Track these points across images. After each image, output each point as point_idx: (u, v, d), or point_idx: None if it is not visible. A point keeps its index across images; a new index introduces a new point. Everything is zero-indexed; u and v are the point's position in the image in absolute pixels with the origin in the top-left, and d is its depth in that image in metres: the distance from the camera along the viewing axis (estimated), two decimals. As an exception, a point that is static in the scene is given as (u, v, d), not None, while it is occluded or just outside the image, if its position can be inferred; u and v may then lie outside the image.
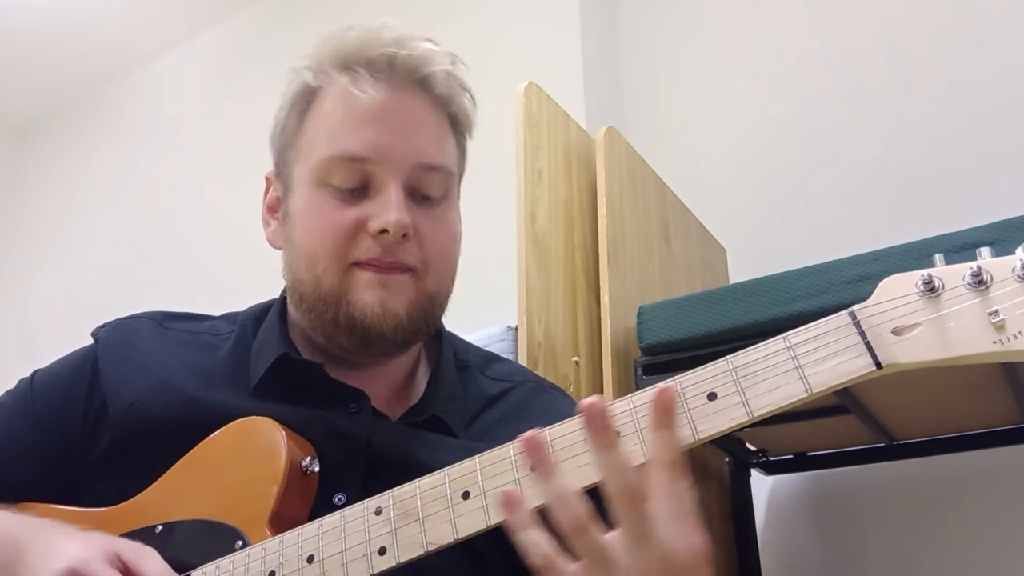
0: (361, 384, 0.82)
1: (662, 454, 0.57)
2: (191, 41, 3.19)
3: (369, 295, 0.77)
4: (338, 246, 0.78)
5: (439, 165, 0.81)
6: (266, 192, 0.89)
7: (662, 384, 0.58)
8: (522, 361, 1.24)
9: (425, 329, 0.83)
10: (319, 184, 0.80)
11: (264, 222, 0.89)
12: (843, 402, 1.30)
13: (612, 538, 0.56)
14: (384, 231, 0.77)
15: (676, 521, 0.56)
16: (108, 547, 0.69)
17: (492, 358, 0.96)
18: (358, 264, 0.78)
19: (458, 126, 0.86)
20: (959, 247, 1.10)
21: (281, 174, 0.86)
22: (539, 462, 0.58)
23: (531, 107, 1.40)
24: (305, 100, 0.83)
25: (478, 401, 0.88)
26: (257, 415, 0.77)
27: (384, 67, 0.80)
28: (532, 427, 0.63)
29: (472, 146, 2.38)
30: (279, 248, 0.86)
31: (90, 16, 3.08)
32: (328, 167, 0.79)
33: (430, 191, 0.81)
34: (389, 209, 0.77)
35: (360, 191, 0.79)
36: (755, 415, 0.57)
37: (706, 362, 0.59)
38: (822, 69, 2.02)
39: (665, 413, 0.57)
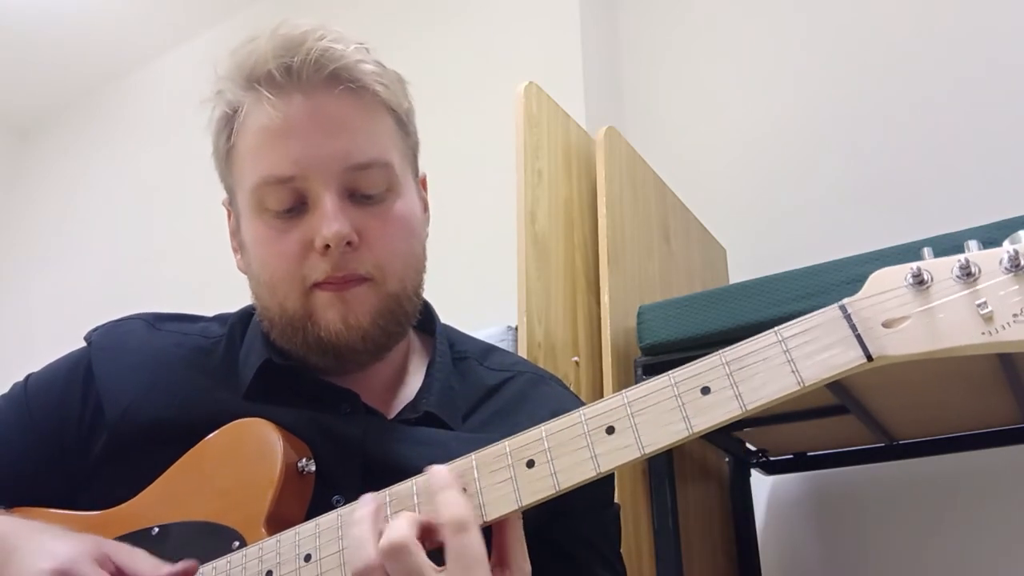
0: (352, 384, 0.81)
1: (445, 513, 0.60)
2: (191, 41, 3.19)
3: (330, 313, 0.76)
4: (292, 272, 0.77)
5: (369, 161, 0.78)
6: (229, 219, 0.88)
7: (434, 468, 0.64)
8: (522, 361, 1.24)
9: (397, 331, 0.82)
10: (258, 212, 0.78)
11: (233, 250, 0.87)
12: (843, 402, 1.30)
13: None
14: (327, 246, 0.75)
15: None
16: (97, 547, 0.69)
17: (491, 349, 0.95)
18: (317, 285, 0.77)
19: (390, 106, 0.81)
20: (958, 247, 1.10)
21: (232, 202, 0.85)
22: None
23: (531, 107, 1.40)
24: (228, 126, 0.81)
25: (477, 392, 0.87)
26: (252, 417, 0.77)
27: (284, 78, 0.76)
28: (529, 422, 0.63)
29: (472, 146, 2.38)
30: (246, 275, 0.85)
31: (90, 16, 3.08)
32: (260, 193, 0.77)
33: (368, 189, 0.78)
34: (325, 223, 0.74)
35: (298, 209, 0.77)
36: (748, 408, 0.57)
37: (705, 363, 0.60)
38: (822, 69, 2.02)
39: (446, 476, 0.62)
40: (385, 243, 0.78)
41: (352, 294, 0.77)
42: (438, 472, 0.63)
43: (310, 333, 0.77)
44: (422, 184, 0.89)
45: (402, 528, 0.60)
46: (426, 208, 0.89)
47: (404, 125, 0.84)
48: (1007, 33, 1.80)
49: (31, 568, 0.66)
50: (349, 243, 0.75)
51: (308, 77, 0.76)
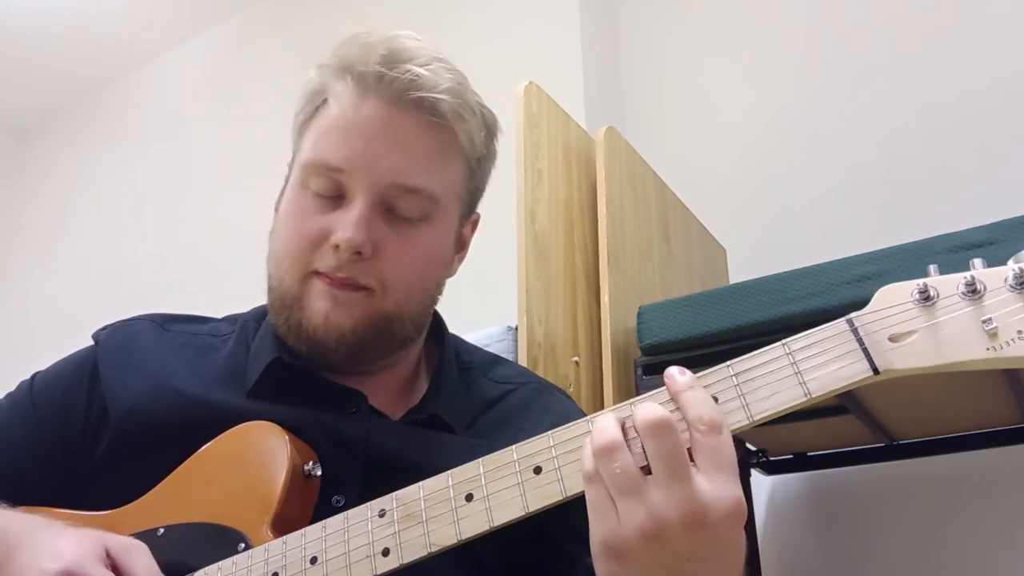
0: (360, 386, 0.82)
1: (696, 410, 0.56)
2: (191, 41, 3.19)
3: (318, 304, 0.78)
4: (301, 252, 0.79)
5: (417, 187, 0.79)
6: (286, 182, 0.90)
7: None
8: (522, 361, 1.24)
9: (379, 345, 0.82)
10: (301, 187, 0.81)
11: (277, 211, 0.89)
12: (843, 402, 1.30)
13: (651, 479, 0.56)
14: (338, 246, 0.77)
15: (714, 475, 0.55)
16: (98, 544, 0.68)
17: (496, 360, 0.96)
18: (317, 273, 0.79)
19: (462, 149, 0.83)
20: (958, 247, 1.10)
21: (290, 167, 0.88)
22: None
23: (531, 107, 1.40)
24: (312, 102, 0.84)
25: (479, 403, 0.88)
26: (256, 417, 0.77)
27: (372, 83, 0.79)
28: (532, 427, 0.63)
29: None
30: None
31: (90, 16, 3.08)
32: (308, 172, 0.80)
33: (404, 212, 0.80)
34: (347, 226, 0.77)
35: (336, 199, 0.79)
36: (755, 419, 0.58)
37: (706, 362, 0.60)
38: (822, 69, 2.02)
39: (684, 381, 0.58)
40: (396, 265, 0.80)
41: (345, 296, 0.78)
42: (677, 373, 0.59)
43: (294, 316, 0.80)
44: (472, 225, 0.92)
45: (659, 408, 0.56)
46: (462, 248, 0.90)
47: (471, 170, 0.86)
48: (1008, 33, 1.80)
49: (35, 568, 0.65)
50: (359, 253, 0.77)
51: (394, 93, 0.79)
